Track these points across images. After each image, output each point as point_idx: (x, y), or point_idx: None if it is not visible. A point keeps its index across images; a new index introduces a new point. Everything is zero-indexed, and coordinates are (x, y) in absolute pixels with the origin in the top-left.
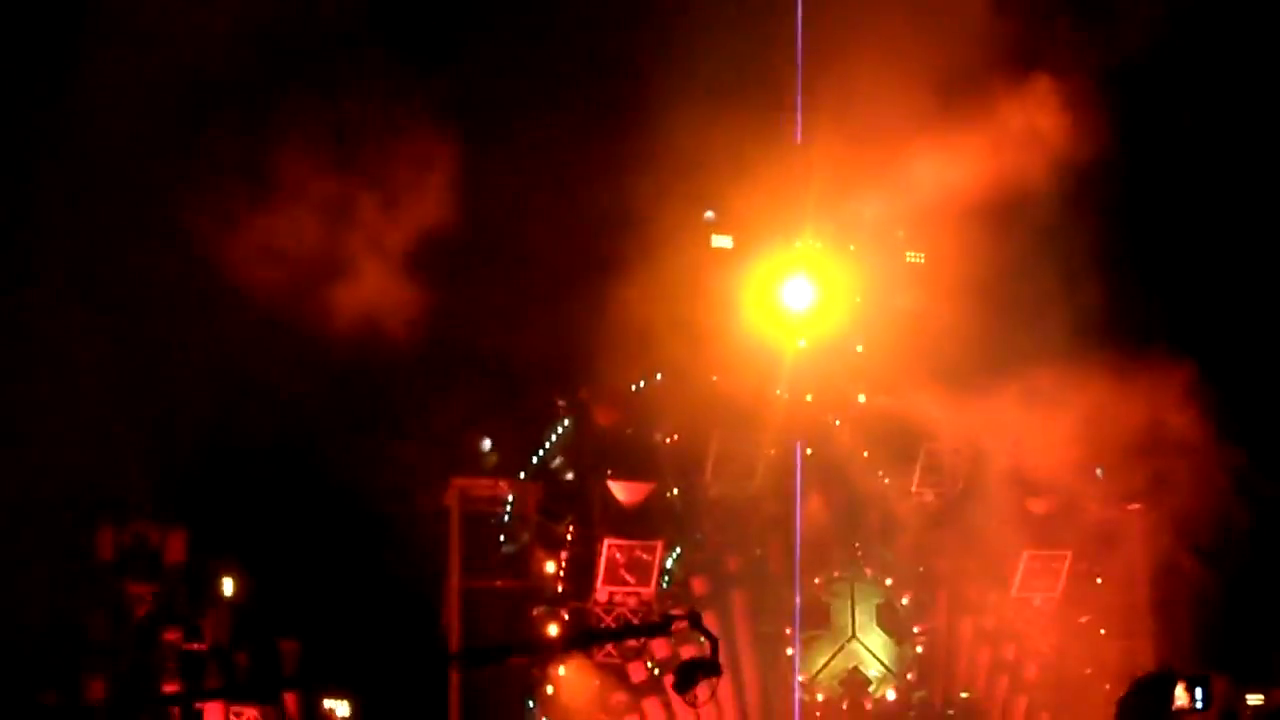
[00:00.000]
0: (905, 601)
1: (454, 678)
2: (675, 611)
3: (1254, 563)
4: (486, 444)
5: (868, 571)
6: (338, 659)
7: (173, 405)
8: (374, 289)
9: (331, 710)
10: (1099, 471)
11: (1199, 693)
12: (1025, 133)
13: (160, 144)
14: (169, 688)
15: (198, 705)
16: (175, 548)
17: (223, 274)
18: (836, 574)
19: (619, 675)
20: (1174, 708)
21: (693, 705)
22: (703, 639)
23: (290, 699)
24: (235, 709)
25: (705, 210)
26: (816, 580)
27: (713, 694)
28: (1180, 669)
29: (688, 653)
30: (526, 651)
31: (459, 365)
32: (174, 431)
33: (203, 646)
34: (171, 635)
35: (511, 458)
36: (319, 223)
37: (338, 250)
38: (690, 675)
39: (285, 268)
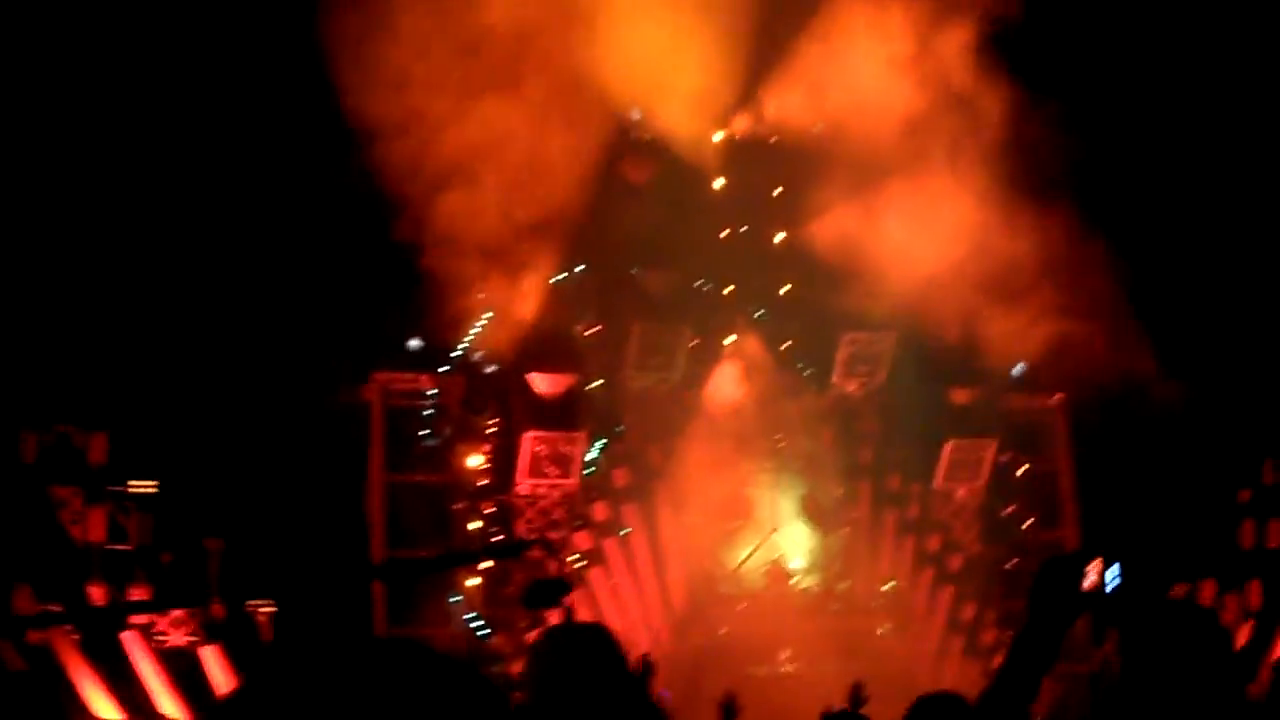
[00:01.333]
0: (828, 493)
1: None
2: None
3: (1180, 455)
4: (415, 343)
5: (790, 463)
6: (262, 558)
7: (92, 305)
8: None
9: (257, 608)
10: (1019, 366)
11: (1113, 573)
12: None
13: None
14: (95, 590)
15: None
16: (98, 449)
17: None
18: (759, 465)
19: (542, 569)
20: (1085, 587)
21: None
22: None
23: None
24: None
25: (630, 108)
26: (741, 471)
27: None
28: (1095, 545)
29: (610, 547)
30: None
31: (379, 257)
32: (93, 331)
33: (128, 547)
34: (96, 537)
35: (433, 351)
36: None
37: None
38: (544, 595)
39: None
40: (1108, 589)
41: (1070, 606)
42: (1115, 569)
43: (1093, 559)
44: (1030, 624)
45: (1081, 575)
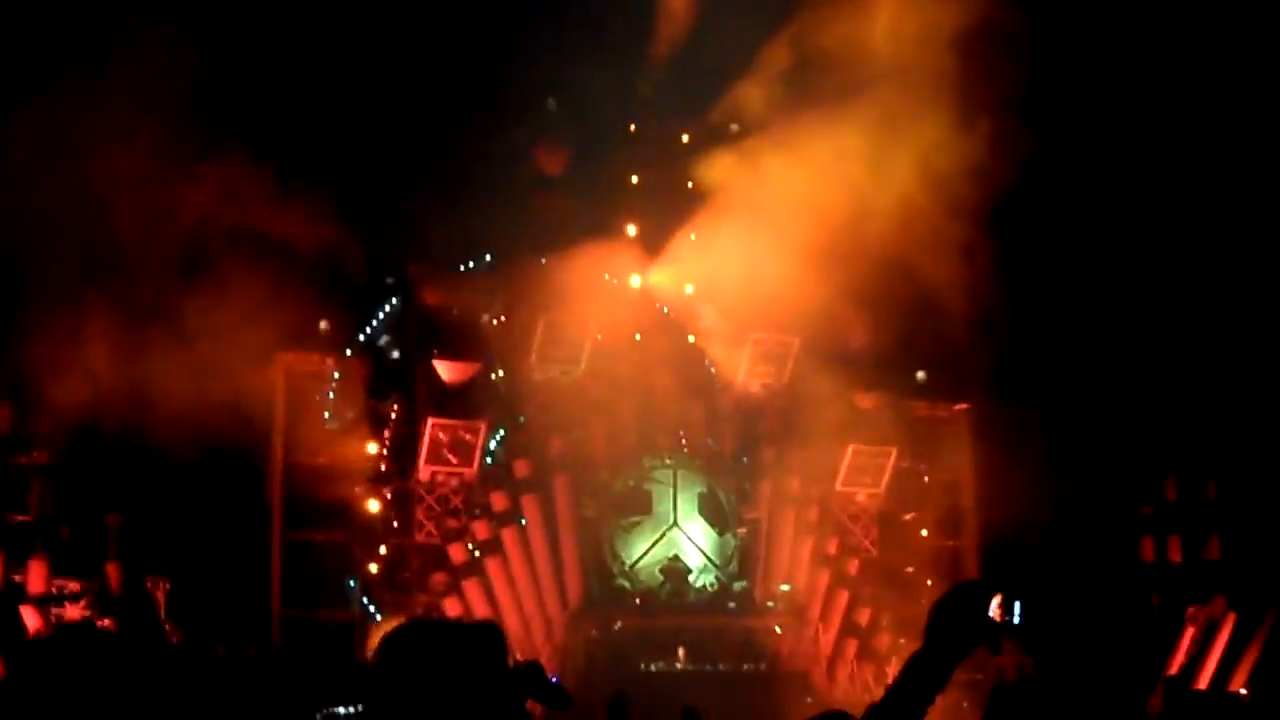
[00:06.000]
0: (728, 492)
1: (275, 556)
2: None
3: (1083, 468)
4: (323, 324)
5: (691, 460)
6: (161, 534)
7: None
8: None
9: (155, 584)
10: (920, 375)
11: (1016, 608)
12: None
13: None
14: None
15: (20, 576)
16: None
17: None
18: (659, 461)
19: (440, 556)
20: (989, 617)
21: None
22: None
23: (113, 572)
24: (58, 581)
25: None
26: (642, 466)
27: None
28: (1002, 577)
29: (507, 537)
30: None
31: (288, 240)
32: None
33: (28, 518)
34: None
35: (338, 334)
36: None
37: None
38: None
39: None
40: (1015, 622)
41: (971, 635)
42: (1018, 606)
43: (996, 592)
44: (927, 647)
45: (986, 606)
